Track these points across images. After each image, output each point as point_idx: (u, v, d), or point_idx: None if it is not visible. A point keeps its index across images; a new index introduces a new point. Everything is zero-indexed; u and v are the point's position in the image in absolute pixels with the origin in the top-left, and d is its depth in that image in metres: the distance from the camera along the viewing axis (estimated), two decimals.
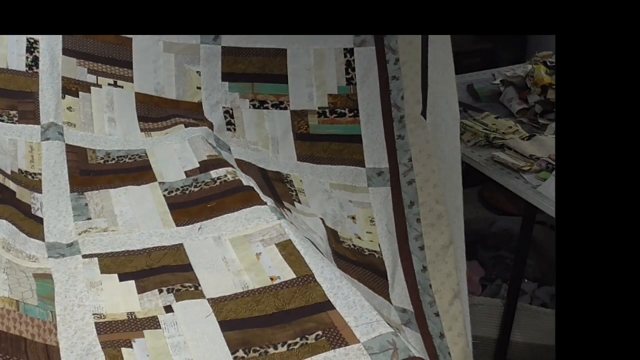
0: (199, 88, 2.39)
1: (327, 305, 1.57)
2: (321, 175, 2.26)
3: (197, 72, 2.39)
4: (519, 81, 2.88)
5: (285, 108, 2.37)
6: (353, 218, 2.17)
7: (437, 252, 2.10)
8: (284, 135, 2.34)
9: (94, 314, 1.56)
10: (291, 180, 2.24)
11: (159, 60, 2.38)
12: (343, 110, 2.34)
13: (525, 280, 2.91)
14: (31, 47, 2.28)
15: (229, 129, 2.35)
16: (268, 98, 2.38)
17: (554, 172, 2.31)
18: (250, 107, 2.38)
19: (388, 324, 1.53)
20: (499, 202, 3.77)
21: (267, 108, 2.37)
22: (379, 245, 2.10)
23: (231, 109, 2.37)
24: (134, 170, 2.11)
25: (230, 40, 2.39)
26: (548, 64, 2.89)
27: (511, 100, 2.86)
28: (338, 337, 1.48)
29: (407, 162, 2.20)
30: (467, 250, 3.13)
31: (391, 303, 1.97)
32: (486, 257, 3.14)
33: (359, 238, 2.12)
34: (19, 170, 2.01)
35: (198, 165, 2.10)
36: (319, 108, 2.36)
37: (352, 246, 2.08)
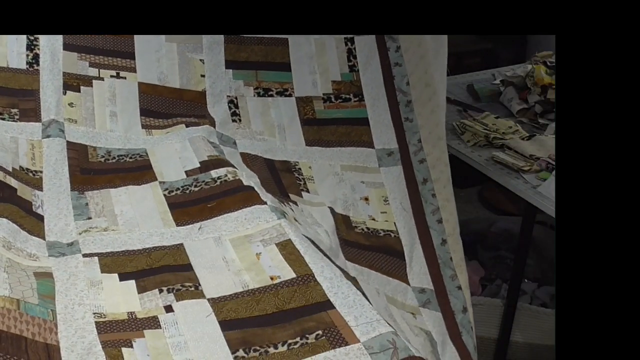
0: (202, 76, 2.39)
1: (327, 305, 1.57)
2: (331, 157, 2.26)
3: (201, 60, 2.39)
4: (519, 81, 2.88)
5: (290, 95, 2.37)
6: (366, 199, 2.16)
7: (454, 226, 2.08)
8: (291, 122, 2.34)
9: (94, 313, 1.56)
10: (299, 169, 2.23)
11: (162, 49, 2.37)
12: (348, 96, 2.34)
13: (525, 280, 2.91)
14: (31, 45, 2.28)
15: (234, 120, 2.34)
16: (272, 86, 2.38)
17: (554, 172, 2.31)
18: (255, 95, 2.37)
19: (388, 323, 1.53)
20: (499, 202, 3.77)
21: (271, 96, 2.37)
22: (395, 224, 2.08)
23: (236, 98, 2.37)
24: (135, 170, 2.11)
25: None
26: (548, 64, 2.89)
27: (511, 100, 2.85)
28: (338, 336, 1.48)
29: (417, 143, 2.19)
30: (467, 250, 3.14)
31: (409, 284, 1.96)
32: (486, 257, 3.14)
33: (373, 219, 2.11)
34: (20, 167, 2.01)
35: (199, 165, 2.10)
36: (323, 94, 2.36)
37: (365, 230, 2.06)
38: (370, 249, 1.99)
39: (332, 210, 2.09)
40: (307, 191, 2.15)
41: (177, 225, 1.89)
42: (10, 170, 1.97)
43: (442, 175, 2.14)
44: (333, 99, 2.35)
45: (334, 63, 2.36)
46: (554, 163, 2.34)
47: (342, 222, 2.07)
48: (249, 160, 2.20)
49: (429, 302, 1.93)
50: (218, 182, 2.02)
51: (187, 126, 2.27)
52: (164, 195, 2.00)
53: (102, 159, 2.14)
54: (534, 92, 2.80)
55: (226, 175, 2.04)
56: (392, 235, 2.06)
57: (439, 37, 2.22)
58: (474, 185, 3.94)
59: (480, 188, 3.97)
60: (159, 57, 2.37)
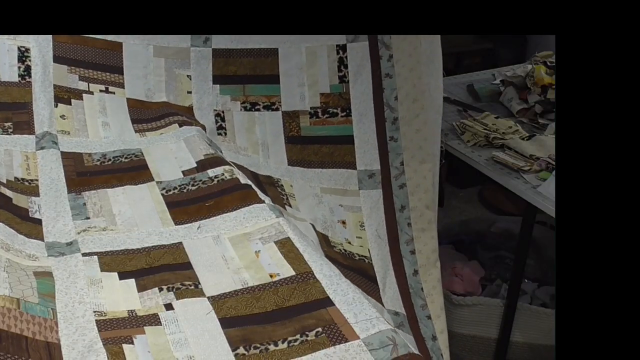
0: (189, 92, 2.39)
1: (327, 302, 1.58)
2: (312, 179, 2.26)
3: (188, 76, 2.39)
4: (519, 81, 2.88)
5: (277, 109, 2.36)
6: (343, 223, 2.17)
7: (428, 255, 2.12)
8: (275, 139, 2.33)
9: (94, 312, 1.56)
10: (282, 185, 2.24)
11: (149, 65, 2.37)
12: (335, 110, 2.33)
13: (525, 280, 2.91)
14: (23, 56, 2.28)
15: (219, 134, 2.35)
16: (260, 99, 2.37)
17: (554, 172, 2.31)
18: (241, 110, 2.37)
19: (387, 322, 1.53)
20: (499, 202, 3.77)
21: (258, 110, 2.36)
22: (369, 251, 2.11)
23: (222, 112, 2.37)
24: (131, 170, 2.11)
25: (220, 42, 2.38)
26: (548, 64, 2.89)
27: (511, 100, 2.85)
28: (338, 333, 1.48)
29: (399, 166, 2.20)
30: (467, 250, 3.15)
31: (383, 306, 1.98)
32: (486, 257, 3.14)
33: (349, 243, 2.13)
34: (15, 178, 2.01)
35: (195, 165, 2.10)
36: (310, 108, 2.34)
37: (342, 251, 2.08)
38: (348, 269, 2.01)
39: (313, 226, 2.10)
40: (290, 206, 2.16)
41: (176, 224, 1.89)
42: (5, 182, 1.98)
43: (420, 203, 2.16)
44: (320, 114, 2.33)
45: (324, 74, 2.34)
46: (554, 163, 2.34)
47: (323, 240, 2.08)
48: (236, 168, 2.20)
49: (402, 325, 1.96)
50: (215, 181, 2.02)
51: (180, 126, 2.28)
52: (162, 194, 2.01)
53: (98, 162, 2.14)
54: (534, 92, 2.80)
55: (223, 174, 2.04)
56: (366, 260, 2.09)
57: (432, 43, 2.21)
58: (474, 185, 3.94)
59: (480, 188, 3.97)
60: (147, 73, 2.37)
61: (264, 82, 2.37)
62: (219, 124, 2.36)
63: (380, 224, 2.15)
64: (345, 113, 2.31)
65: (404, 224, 2.15)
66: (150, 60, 2.38)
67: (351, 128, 2.29)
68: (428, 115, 2.21)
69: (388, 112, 2.24)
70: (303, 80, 2.36)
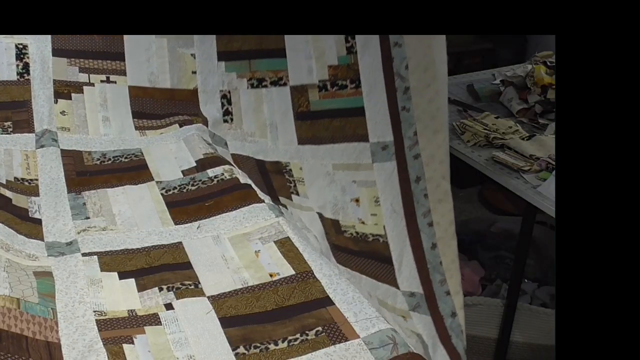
0: (194, 73, 2.36)
1: (327, 301, 1.58)
2: (323, 157, 2.21)
3: (192, 54, 2.36)
4: (519, 81, 2.88)
5: (285, 84, 2.30)
6: (357, 201, 2.13)
7: (446, 228, 2.03)
8: (284, 117, 2.28)
9: (94, 311, 1.56)
10: (290, 170, 2.20)
11: (152, 47, 2.35)
12: (344, 82, 2.25)
13: (525, 280, 2.91)
14: (21, 54, 2.28)
15: (225, 120, 2.32)
16: (266, 75, 2.31)
17: (554, 172, 2.31)
18: (248, 87, 2.32)
19: (386, 321, 1.53)
20: (499, 202, 3.77)
21: (265, 86, 2.31)
22: (384, 228, 2.06)
23: (229, 92, 2.33)
24: (131, 170, 2.12)
25: None
26: (548, 64, 2.89)
27: (511, 100, 2.85)
28: (338, 332, 1.49)
29: (412, 136, 2.11)
30: (467, 250, 3.15)
31: (398, 288, 1.95)
32: (486, 257, 3.14)
33: (363, 223, 2.08)
34: (15, 178, 2.02)
35: (195, 165, 2.10)
36: (319, 81, 2.26)
37: (354, 234, 2.05)
38: (359, 255, 1.97)
39: (320, 215, 2.08)
40: (297, 194, 2.13)
41: (176, 224, 1.89)
42: (4, 182, 1.98)
43: (436, 174, 2.10)
44: (329, 87, 2.27)
45: (331, 45, 2.25)
46: (554, 163, 2.34)
47: (332, 227, 2.05)
48: (240, 161, 2.18)
49: (418, 306, 1.92)
50: (215, 181, 2.02)
51: (180, 126, 2.27)
52: (162, 194, 2.01)
53: (98, 162, 2.14)
54: (534, 92, 2.80)
55: (223, 174, 2.04)
56: (381, 240, 2.05)
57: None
58: (474, 185, 3.93)
59: (480, 188, 3.97)
60: (149, 56, 2.35)
61: (270, 57, 2.31)
62: (225, 107, 2.32)
63: (396, 197, 2.08)
64: (354, 84, 2.23)
65: (420, 195, 2.06)
66: (152, 42, 2.35)
67: (361, 99, 2.21)
68: (439, 85, 2.16)
69: (399, 82, 2.15)
70: (310, 53, 2.27)
